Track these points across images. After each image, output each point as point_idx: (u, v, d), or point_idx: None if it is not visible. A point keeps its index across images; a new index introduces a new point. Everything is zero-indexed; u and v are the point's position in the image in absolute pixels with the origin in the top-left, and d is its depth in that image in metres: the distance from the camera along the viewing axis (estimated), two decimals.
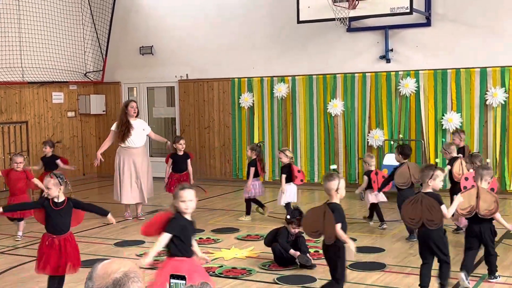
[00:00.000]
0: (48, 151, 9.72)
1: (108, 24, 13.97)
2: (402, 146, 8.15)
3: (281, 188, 8.50)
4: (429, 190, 5.32)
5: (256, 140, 12.27)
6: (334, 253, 4.97)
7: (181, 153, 9.30)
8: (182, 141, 9.31)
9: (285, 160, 8.56)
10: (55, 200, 5.34)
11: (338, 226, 4.87)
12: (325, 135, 11.81)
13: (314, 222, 5.03)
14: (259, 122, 12.42)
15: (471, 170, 7.18)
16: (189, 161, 9.35)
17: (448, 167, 7.86)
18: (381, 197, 8.15)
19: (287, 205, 8.46)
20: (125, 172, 9.15)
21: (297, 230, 6.55)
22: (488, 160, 9.39)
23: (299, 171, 8.72)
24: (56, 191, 5.29)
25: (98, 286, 2.13)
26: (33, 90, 12.92)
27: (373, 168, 8.35)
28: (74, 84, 13.80)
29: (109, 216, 5.64)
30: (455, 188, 7.50)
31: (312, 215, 5.13)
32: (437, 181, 5.32)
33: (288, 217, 6.56)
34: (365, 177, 8.28)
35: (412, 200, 5.35)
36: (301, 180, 8.66)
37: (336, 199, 4.98)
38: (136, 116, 9.27)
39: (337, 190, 4.93)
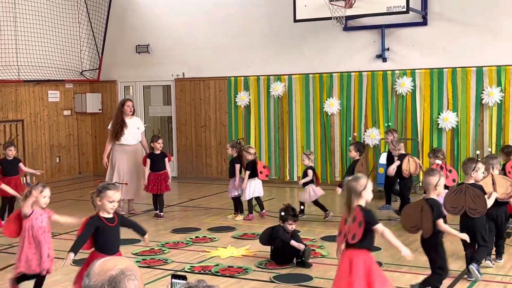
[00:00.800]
0: (12, 153, 8.80)
1: (104, 22, 13.94)
2: (358, 143, 8.93)
3: (244, 184, 8.80)
4: (472, 181, 5.78)
5: (252, 139, 12.29)
6: (431, 246, 5.20)
7: (158, 152, 9.15)
8: (160, 141, 9.16)
9: (249, 157, 8.89)
10: (106, 215, 4.89)
11: (441, 221, 5.05)
12: (321, 134, 11.82)
13: (412, 217, 5.25)
14: (256, 121, 12.42)
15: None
16: (166, 160, 9.23)
17: (398, 162, 8.53)
18: (319, 192, 8.69)
19: (256, 199, 8.93)
20: (116, 168, 9.35)
21: (293, 226, 6.54)
22: (489, 149, 9.84)
23: (264, 167, 9.14)
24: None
25: (94, 282, 2.13)
26: (29, 89, 12.88)
27: (312, 163, 8.88)
28: (70, 83, 13.77)
29: (146, 236, 5.41)
30: (403, 182, 8.59)
31: (410, 211, 5.36)
32: (479, 173, 5.80)
33: (283, 213, 6.55)
34: (310, 171, 8.73)
35: (455, 190, 5.78)
36: (266, 176, 9.13)
37: (433, 195, 5.13)
38: (132, 115, 9.49)
39: (436, 186, 5.10)
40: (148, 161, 9.12)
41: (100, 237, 4.84)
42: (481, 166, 5.81)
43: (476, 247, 5.79)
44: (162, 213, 9.19)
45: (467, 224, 5.73)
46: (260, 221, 8.71)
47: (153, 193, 9.18)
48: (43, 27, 13.02)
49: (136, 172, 9.35)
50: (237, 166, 8.91)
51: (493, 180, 6.02)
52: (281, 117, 12.20)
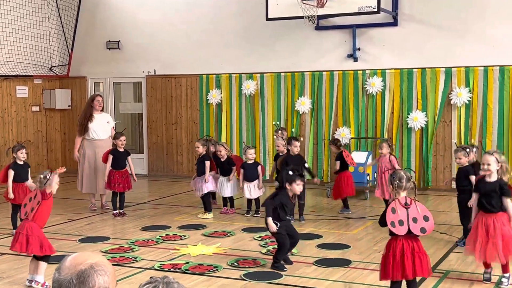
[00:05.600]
0: (24, 156, 7.85)
1: (74, 17, 13.77)
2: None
3: (241, 184, 8.93)
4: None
5: (223, 137, 12.26)
6: None
7: (121, 149, 9.04)
8: (122, 138, 9.05)
9: (224, 152, 9.04)
10: None
11: None
12: (291, 133, 11.85)
13: None
14: (227, 119, 12.41)
15: None
16: (129, 158, 9.15)
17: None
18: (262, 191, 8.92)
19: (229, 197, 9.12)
20: (86, 162, 9.40)
21: (301, 187, 6.20)
22: (454, 141, 10.23)
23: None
24: None
25: (64, 276, 2.11)
26: None
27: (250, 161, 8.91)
28: (39, 78, 13.57)
29: None
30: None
31: None
32: None
33: (290, 172, 6.16)
34: (242, 170, 8.85)
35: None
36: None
37: None
38: (102, 110, 9.58)
39: None
40: (110, 157, 8.96)
41: None
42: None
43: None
44: (122, 210, 9.06)
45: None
46: (232, 220, 8.71)
47: (115, 191, 8.98)
48: (11, 21, 12.79)
49: (106, 167, 9.27)
50: (207, 163, 8.89)
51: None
52: (253, 116, 12.21)
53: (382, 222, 5.04)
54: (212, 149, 9.36)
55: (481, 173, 5.76)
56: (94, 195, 9.54)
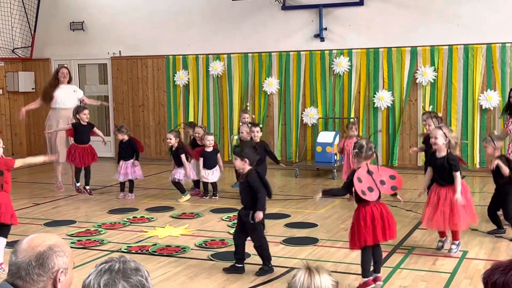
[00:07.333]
0: None
1: None
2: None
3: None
4: None
5: (191, 119, 12.17)
6: None
7: (84, 123, 8.99)
8: (86, 111, 9.01)
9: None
10: None
11: None
12: (259, 113, 11.84)
13: None
14: (195, 100, 12.33)
15: None
16: (96, 129, 9.16)
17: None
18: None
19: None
20: (54, 132, 9.45)
21: (237, 163, 5.56)
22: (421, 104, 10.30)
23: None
24: None
25: (22, 259, 2.09)
26: None
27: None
28: (1, 61, 13.27)
29: None
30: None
31: None
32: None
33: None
34: (201, 158, 8.76)
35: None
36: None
37: None
38: (69, 82, 9.70)
39: None
40: (72, 130, 8.92)
41: None
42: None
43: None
44: (88, 188, 9.03)
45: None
46: (199, 201, 8.70)
47: (78, 167, 9.01)
48: None
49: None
50: (183, 156, 8.63)
51: None
52: (221, 97, 12.15)
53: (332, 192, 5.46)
54: (190, 133, 9.28)
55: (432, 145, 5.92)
56: (60, 172, 9.56)
